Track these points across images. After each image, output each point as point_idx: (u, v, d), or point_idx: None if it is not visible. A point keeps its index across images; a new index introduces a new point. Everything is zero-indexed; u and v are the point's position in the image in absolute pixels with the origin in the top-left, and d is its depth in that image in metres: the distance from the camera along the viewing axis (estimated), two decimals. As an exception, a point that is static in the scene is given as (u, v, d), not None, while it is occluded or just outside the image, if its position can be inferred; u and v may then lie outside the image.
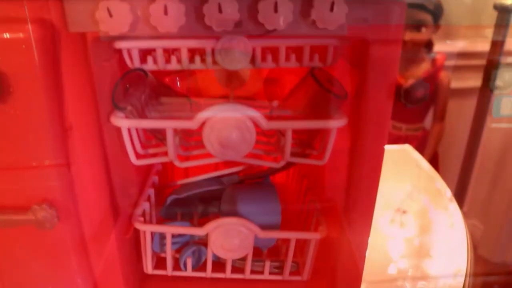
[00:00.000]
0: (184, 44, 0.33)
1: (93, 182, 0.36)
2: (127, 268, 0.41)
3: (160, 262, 0.44)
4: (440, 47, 1.64)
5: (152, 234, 0.41)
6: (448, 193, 0.77)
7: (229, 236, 0.39)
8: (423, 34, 1.47)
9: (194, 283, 0.44)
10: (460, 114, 1.79)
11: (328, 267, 0.43)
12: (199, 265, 0.44)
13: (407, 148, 0.87)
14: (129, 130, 0.35)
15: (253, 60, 0.34)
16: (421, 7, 1.44)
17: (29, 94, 0.30)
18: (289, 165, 0.42)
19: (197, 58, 0.34)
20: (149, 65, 0.34)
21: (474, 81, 1.66)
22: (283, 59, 0.34)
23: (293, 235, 0.41)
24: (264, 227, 0.40)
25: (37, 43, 0.29)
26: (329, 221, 0.42)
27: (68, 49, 0.30)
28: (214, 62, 0.33)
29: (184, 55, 0.33)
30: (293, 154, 0.36)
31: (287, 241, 0.43)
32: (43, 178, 0.32)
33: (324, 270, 0.44)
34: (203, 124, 0.33)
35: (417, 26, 1.47)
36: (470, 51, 1.73)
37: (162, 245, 0.43)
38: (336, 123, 0.34)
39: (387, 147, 0.91)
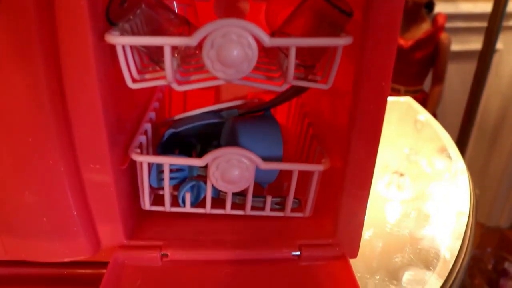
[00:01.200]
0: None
1: (87, 111, 0.34)
2: (124, 203, 0.39)
3: (157, 200, 0.43)
4: (441, 7, 1.61)
5: (150, 168, 0.40)
6: (450, 142, 0.76)
7: (229, 167, 0.38)
8: (424, -7, 1.44)
9: (193, 220, 0.43)
10: (460, 77, 1.77)
11: (330, 205, 0.42)
12: (198, 202, 0.43)
13: (409, 100, 0.86)
14: (124, 50, 0.33)
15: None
16: (423, -36, 1.40)
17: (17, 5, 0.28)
18: (292, 94, 0.40)
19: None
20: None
21: (475, 44, 1.63)
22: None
23: (295, 167, 0.39)
24: (265, 159, 0.39)
25: None
26: (332, 154, 0.40)
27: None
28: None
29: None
30: (296, 78, 0.34)
31: (288, 177, 0.41)
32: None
33: (326, 208, 0.43)
34: (202, 41, 0.31)
35: (418, -15, 1.44)
36: (472, 12, 1.70)
37: (160, 179, 0.42)
38: (341, 41, 0.32)
39: (389, 98, 0.89)
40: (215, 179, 0.39)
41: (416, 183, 0.68)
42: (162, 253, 0.39)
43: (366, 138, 0.36)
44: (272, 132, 0.41)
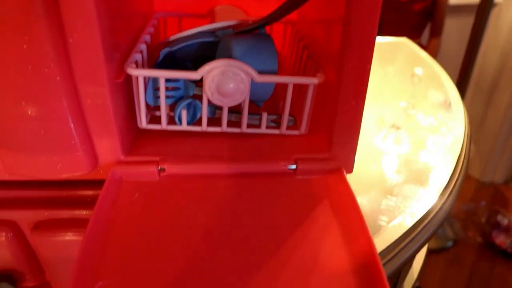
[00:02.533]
0: None
1: (82, 19, 0.34)
2: (121, 119, 0.40)
3: (154, 120, 0.43)
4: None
5: (145, 84, 0.40)
6: (446, 80, 0.76)
7: (224, 79, 0.38)
8: None
9: (189, 138, 0.43)
10: (458, 31, 1.76)
11: (326, 123, 0.42)
12: (195, 122, 0.43)
13: (405, 40, 0.85)
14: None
15: None
16: None
17: None
18: (284, 10, 0.40)
19: None
20: None
21: (473, -4, 1.61)
22: None
23: (290, 80, 0.39)
24: (261, 73, 0.39)
25: None
26: (326, 69, 0.41)
27: None
28: None
29: None
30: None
31: (284, 95, 0.41)
32: None
33: (321, 126, 0.44)
34: None
35: None
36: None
37: (156, 97, 0.42)
38: None
39: (386, 38, 0.89)
40: (210, 92, 0.39)
41: (413, 137, 0.68)
42: (159, 167, 0.40)
43: (359, 47, 0.36)
44: (266, 47, 0.41)
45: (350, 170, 0.42)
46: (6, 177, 0.42)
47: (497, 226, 1.73)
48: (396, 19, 1.57)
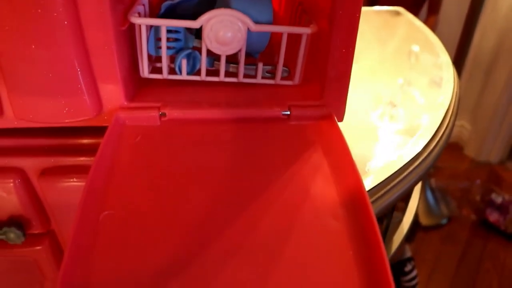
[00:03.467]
0: None
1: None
2: (124, 66, 0.42)
3: (155, 70, 0.46)
4: None
5: (148, 34, 0.42)
6: (441, 48, 0.78)
7: (222, 28, 0.40)
8: None
9: (189, 87, 0.46)
10: (455, 8, 1.78)
11: (318, 73, 0.45)
12: (194, 72, 0.46)
13: (402, 10, 0.87)
14: None
15: None
16: None
17: None
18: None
19: None
20: None
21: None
22: None
23: (285, 29, 0.42)
24: (257, 23, 0.41)
25: None
26: (319, 22, 0.43)
27: None
28: None
29: None
30: None
31: (278, 47, 0.44)
32: None
33: (314, 77, 0.46)
34: None
35: None
36: None
37: (157, 47, 0.44)
38: None
39: (382, 7, 0.91)
40: (209, 40, 0.41)
41: (409, 114, 0.70)
42: (160, 112, 0.43)
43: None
44: (261, 2, 0.43)
45: (341, 119, 0.45)
46: (15, 124, 0.44)
47: (491, 204, 1.77)
48: (393, -4, 1.58)
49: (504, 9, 1.80)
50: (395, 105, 0.75)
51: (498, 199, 1.77)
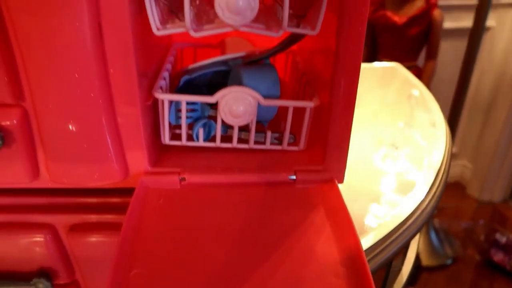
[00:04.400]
0: None
1: (122, 53, 0.42)
2: (148, 136, 0.48)
3: (175, 137, 0.52)
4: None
5: (169, 106, 0.49)
6: (432, 102, 0.84)
7: (236, 103, 0.47)
8: (418, -29, 1.52)
9: (205, 152, 0.52)
10: (453, 54, 1.86)
11: (321, 140, 0.50)
12: (210, 139, 0.52)
13: (397, 65, 0.94)
14: (150, 2, 0.41)
15: None
16: None
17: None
18: (287, 43, 0.49)
19: None
20: None
21: (467, 21, 1.71)
22: None
23: (291, 103, 0.48)
24: (266, 97, 0.47)
25: None
26: (321, 94, 0.49)
27: None
28: None
29: None
30: (290, 25, 0.42)
31: (285, 117, 0.50)
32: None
33: (317, 143, 0.52)
34: None
35: (412, -38, 1.51)
36: (464, -10, 1.77)
37: (177, 117, 0.50)
38: (328, -7, 0.41)
39: (378, 64, 0.99)
40: (224, 113, 0.47)
41: (411, 156, 0.76)
42: (180, 177, 0.48)
43: (347, 76, 0.45)
44: (271, 76, 0.49)
45: (341, 180, 0.50)
46: (49, 184, 0.50)
47: (496, 244, 1.79)
48: (394, 42, 1.66)
49: (499, 53, 1.88)
50: (397, 147, 0.81)
51: (503, 239, 1.79)
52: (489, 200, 2.04)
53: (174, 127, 0.53)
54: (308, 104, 0.48)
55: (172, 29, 0.43)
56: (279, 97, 0.50)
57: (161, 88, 0.49)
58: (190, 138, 0.51)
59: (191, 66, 0.54)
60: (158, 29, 0.43)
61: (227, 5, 0.40)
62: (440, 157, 0.62)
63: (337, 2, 0.42)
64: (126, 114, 0.46)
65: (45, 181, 0.50)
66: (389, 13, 1.59)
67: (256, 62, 0.52)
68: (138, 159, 0.48)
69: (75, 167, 0.47)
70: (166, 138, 0.50)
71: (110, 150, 0.46)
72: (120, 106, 0.45)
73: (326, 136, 0.48)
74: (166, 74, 0.52)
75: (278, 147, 0.52)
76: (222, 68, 0.53)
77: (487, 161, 2.01)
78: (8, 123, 0.45)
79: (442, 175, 0.58)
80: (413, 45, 1.64)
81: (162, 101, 0.48)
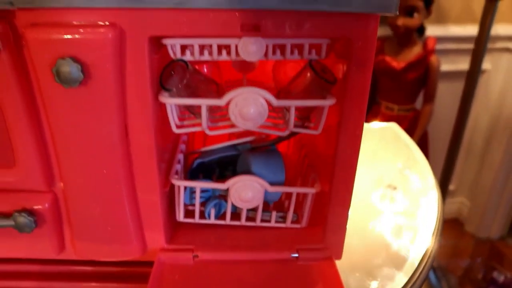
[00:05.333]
0: (215, 42, 0.45)
1: (145, 149, 0.48)
2: (165, 216, 0.54)
3: (188, 213, 0.57)
4: (432, 30, 1.76)
5: (184, 189, 0.54)
6: (426, 167, 0.90)
7: (245, 190, 0.52)
8: (415, 20, 1.59)
9: (216, 229, 0.57)
10: (450, 95, 1.92)
11: (321, 219, 0.56)
12: (220, 216, 0.57)
13: (394, 126, 1.00)
14: (171, 108, 0.47)
15: (266, 54, 0.46)
16: (414, -7, 1.55)
17: (102, 79, 0.43)
18: (291, 134, 0.55)
19: (224, 52, 0.47)
20: (187, 56, 0.47)
21: (464, 64, 1.78)
22: (289, 53, 0.47)
23: (294, 190, 0.54)
24: (272, 183, 0.53)
25: (110, 42, 0.41)
26: (322, 180, 0.55)
27: (131, 46, 0.43)
28: (237, 55, 0.46)
29: (215, 50, 0.46)
30: (295, 126, 0.48)
31: (289, 196, 0.56)
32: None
33: (318, 221, 0.57)
34: (229, 101, 0.46)
35: (409, 11, 1.59)
36: (461, 35, 1.85)
37: (191, 198, 0.56)
38: (327, 102, 0.47)
39: (376, 124, 1.06)
40: (234, 198, 0.53)
41: (408, 197, 0.81)
42: (193, 254, 0.54)
43: (345, 170, 0.50)
44: (277, 162, 0.55)
45: (339, 257, 0.55)
46: (73, 257, 0.55)
47: (493, 282, 1.83)
48: (393, 86, 1.73)
49: (494, 95, 1.95)
50: (395, 187, 0.85)
51: (500, 278, 1.83)
52: (486, 237, 2.09)
53: (189, 204, 0.58)
54: (310, 191, 0.54)
55: (190, 128, 0.49)
56: (284, 181, 0.55)
57: (177, 172, 0.55)
58: (202, 214, 0.57)
59: (204, 149, 0.60)
60: (177, 127, 0.49)
61: (240, 113, 0.46)
62: (429, 235, 0.67)
63: (337, 106, 0.48)
64: (147, 200, 0.51)
65: (70, 254, 0.55)
66: (388, 58, 1.66)
67: (263, 147, 0.58)
68: (156, 237, 0.54)
69: (98, 244, 0.53)
70: (180, 216, 0.56)
71: (131, 231, 0.52)
72: (141, 193, 0.51)
73: (326, 218, 0.54)
74: (180, 156, 0.58)
75: (282, 225, 0.57)
76: (232, 152, 0.59)
77: (484, 198, 2.06)
78: (40, 207, 0.51)
79: (429, 258, 0.63)
80: (411, 89, 1.71)
81: (179, 186, 0.53)
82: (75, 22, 0.41)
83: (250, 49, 0.45)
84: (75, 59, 0.41)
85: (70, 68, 0.41)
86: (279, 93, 0.52)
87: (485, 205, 2.06)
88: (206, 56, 0.47)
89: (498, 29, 1.86)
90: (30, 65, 0.43)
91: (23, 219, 0.50)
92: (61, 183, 0.50)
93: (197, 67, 0.57)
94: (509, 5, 1.85)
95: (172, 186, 0.55)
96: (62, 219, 0.53)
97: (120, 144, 0.47)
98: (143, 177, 0.50)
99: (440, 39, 1.77)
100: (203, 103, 0.46)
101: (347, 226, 0.54)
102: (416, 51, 1.66)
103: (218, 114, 0.52)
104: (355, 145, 0.49)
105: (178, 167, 0.56)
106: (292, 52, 0.47)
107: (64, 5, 0.40)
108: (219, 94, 0.50)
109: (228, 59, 0.47)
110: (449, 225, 2.13)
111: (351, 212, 0.53)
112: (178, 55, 0.47)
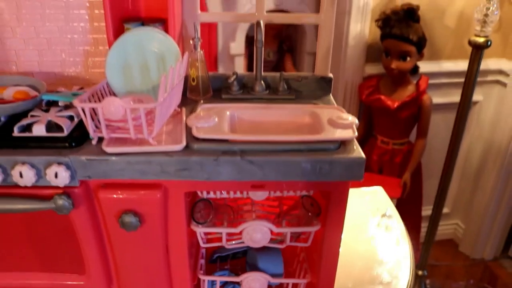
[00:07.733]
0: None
1: (181, 259, 0.69)
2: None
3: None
4: (426, 66, 1.93)
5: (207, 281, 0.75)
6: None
7: (254, 282, 0.73)
8: (408, 64, 1.76)
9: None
10: (444, 125, 2.11)
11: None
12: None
13: (378, 189, 1.19)
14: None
15: (268, 193, 0.67)
16: (406, 40, 1.73)
17: (152, 223, 0.63)
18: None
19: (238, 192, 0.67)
20: (211, 195, 0.67)
21: (456, 97, 1.96)
22: (285, 192, 0.67)
23: (290, 281, 0.74)
24: (273, 275, 0.74)
25: (159, 199, 0.61)
26: (312, 270, 0.75)
27: (172, 198, 0.63)
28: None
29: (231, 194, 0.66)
30: (290, 241, 0.69)
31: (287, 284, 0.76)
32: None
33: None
34: (242, 230, 0.66)
35: (402, 56, 1.76)
36: (453, 70, 2.02)
37: (213, 285, 0.76)
38: (314, 228, 0.67)
39: (364, 188, 1.26)
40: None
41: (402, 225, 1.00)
42: (215, 330, 0.74)
43: (327, 268, 0.71)
44: (277, 259, 0.76)
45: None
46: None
47: (484, 303, 2.02)
48: (388, 122, 1.91)
49: (486, 125, 2.13)
50: (390, 216, 1.03)
51: (492, 298, 2.02)
52: (480, 258, 2.28)
53: (209, 287, 0.79)
54: (302, 281, 0.74)
55: (214, 244, 0.70)
56: (283, 273, 0.76)
57: (201, 266, 0.76)
58: (220, 298, 0.77)
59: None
60: (203, 243, 0.69)
61: (250, 238, 0.67)
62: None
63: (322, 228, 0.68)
64: (180, 291, 0.72)
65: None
66: (383, 97, 1.84)
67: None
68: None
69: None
70: (205, 301, 0.77)
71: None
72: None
73: (315, 301, 0.74)
74: (203, 250, 0.79)
75: (282, 305, 0.78)
76: (243, 248, 0.79)
77: (478, 221, 2.25)
78: (100, 301, 0.71)
79: None
80: (405, 125, 1.89)
81: (205, 281, 0.74)
82: (134, 186, 0.62)
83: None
84: (135, 213, 0.61)
85: (131, 219, 0.61)
86: (279, 216, 0.73)
87: (479, 227, 2.24)
88: (224, 195, 0.67)
89: (489, 63, 2.04)
90: (100, 215, 0.64)
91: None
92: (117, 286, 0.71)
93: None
94: (499, 41, 2.03)
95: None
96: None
97: (163, 259, 0.68)
98: (179, 280, 0.70)
99: (433, 74, 1.95)
100: (224, 231, 0.67)
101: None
102: (409, 90, 1.83)
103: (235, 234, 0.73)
104: (335, 251, 0.69)
105: (202, 261, 0.77)
106: (288, 191, 0.67)
107: (127, 178, 0.61)
108: (234, 214, 0.71)
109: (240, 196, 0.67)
110: (444, 246, 2.32)
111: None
112: (205, 195, 0.67)
